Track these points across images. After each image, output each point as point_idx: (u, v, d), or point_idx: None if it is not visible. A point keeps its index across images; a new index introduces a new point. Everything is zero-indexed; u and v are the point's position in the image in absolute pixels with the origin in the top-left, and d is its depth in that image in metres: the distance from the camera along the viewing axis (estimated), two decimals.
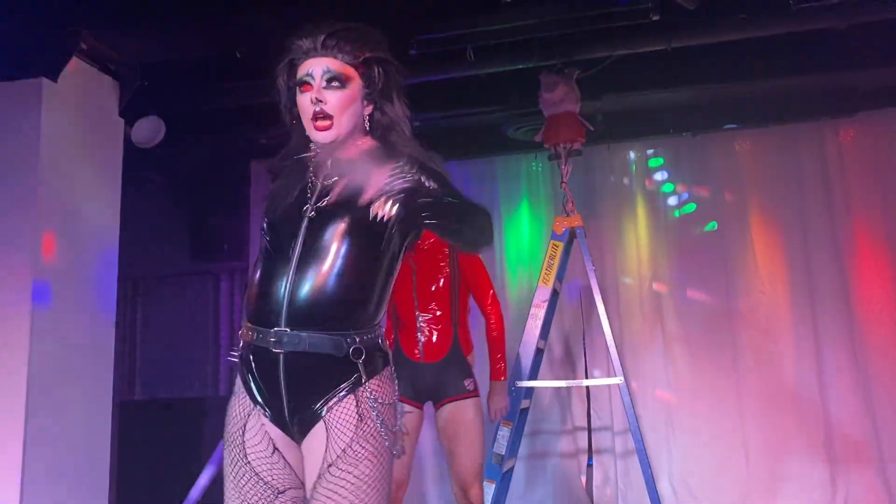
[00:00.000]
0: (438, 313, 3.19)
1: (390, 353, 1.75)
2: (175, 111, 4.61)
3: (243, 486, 1.66)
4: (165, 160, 5.19)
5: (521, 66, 4.39)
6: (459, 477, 3.16)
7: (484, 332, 3.36)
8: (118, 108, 4.37)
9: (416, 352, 3.19)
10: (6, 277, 3.72)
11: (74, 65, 4.01)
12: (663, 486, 4.96)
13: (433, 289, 3.21)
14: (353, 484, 1.55)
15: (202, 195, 5.97)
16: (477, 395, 3.21)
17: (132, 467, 5.13)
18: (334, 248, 1.64)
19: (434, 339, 3.18)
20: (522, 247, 5.63)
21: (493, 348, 3.33)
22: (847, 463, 4.83)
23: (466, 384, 3.19)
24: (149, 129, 4.48)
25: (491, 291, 3.33)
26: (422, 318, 3.19)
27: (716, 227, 5.31)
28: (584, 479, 5.21)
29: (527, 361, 4.33)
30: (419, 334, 3.18)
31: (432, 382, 3.19)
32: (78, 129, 4.07)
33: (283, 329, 1.61)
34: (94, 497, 4.01)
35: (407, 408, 2.85)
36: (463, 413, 3.16)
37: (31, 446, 3.60)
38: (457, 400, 3.17)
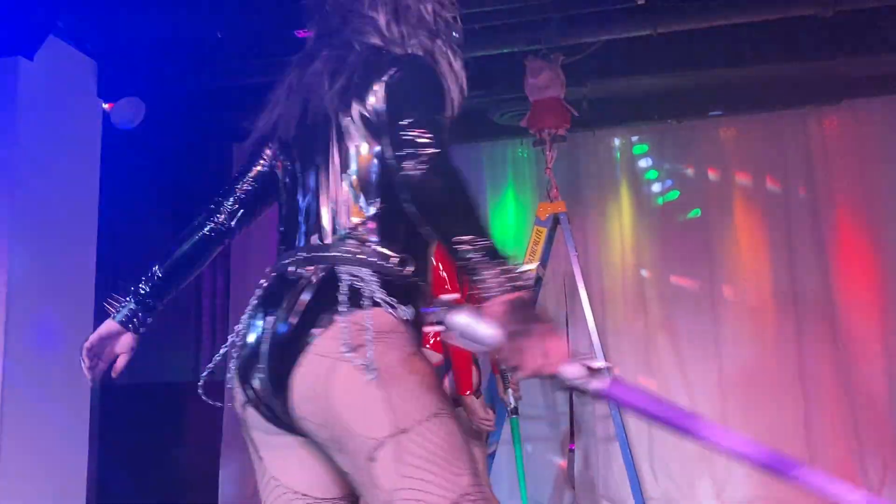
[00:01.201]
0: None
1: None
2: (155, 92, 4.54)
3: None
4: (145, 142, 5.12)
5: (505, 51, 4.36)
6: None
7: None
8: (97, 88, 4.30)
9: None
10: None
11: (52, 44, 3.94)
12: (644, 471, 5.00)
13: None
14: None
15: (183, 177, 5.90)
16: None
17: (112, 450, 5.10)
18: None
19: None
20: (507, 232, 5.62)
21: None
22: (825, 449, 4.89)
23: None
24: (128, 110, 4.42)
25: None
26: None
27: (699, 214, 5.33)
28: (565, 463, 5.24)
29: None
30: None
31: None
32: (55, 108, 4.00)
33: None
34: (73, 480, 3.99)
35: None
36: None
37: (6, 432, 3.57)
38: None
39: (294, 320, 1.30)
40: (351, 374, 1.25)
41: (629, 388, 1.34)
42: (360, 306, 1.30)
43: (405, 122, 1.33)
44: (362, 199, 1.39)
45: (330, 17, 1.53)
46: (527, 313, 1.22)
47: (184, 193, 6.05)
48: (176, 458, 5.35)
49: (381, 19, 1.47)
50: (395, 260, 1.37)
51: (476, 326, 1.23)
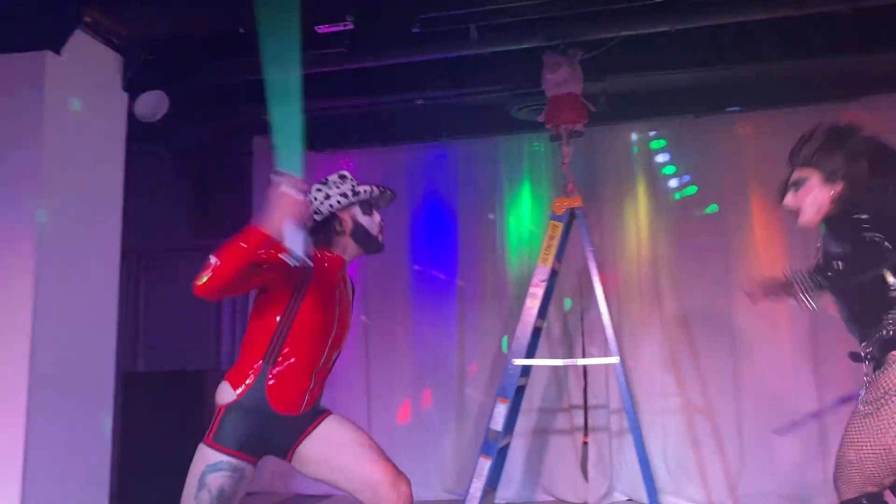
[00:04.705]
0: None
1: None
2: (179, 86, 4.62)
3: None
4: (168, 135, 5.21)
5: (524, 46, 4.39)
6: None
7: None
8: (122, 81, 4.38)
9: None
10: (9, 251, 3.75)
11: (78, 38, 4.02)
12: (657, 465, 5.03)
13: None
14: None
15: (205, 170, 5.99)
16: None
17: (134, 436, 5.21)
18: None
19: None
20: (523, 226, 5.66)
21: None
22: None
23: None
24: (152, 104, 4.49)
25: None
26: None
27: (717, 210, 5.33)
28: (579, 456, 5.28)
29: (524, 340, 4.38)
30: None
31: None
32: (81, 102, 4.08)
33: None
34: (96, 466, 4.08)
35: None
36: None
37: (34, 417, 3.65)
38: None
39: None
40: None
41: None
42: None
43: None
44: None
45: None
46: None
47: (205, 186, 6.15)
48: (196, 445, 5.43)
49: None
50: None
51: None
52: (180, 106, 4.66)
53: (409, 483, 2.48)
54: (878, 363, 2.28)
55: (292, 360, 2.44)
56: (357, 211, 2.60)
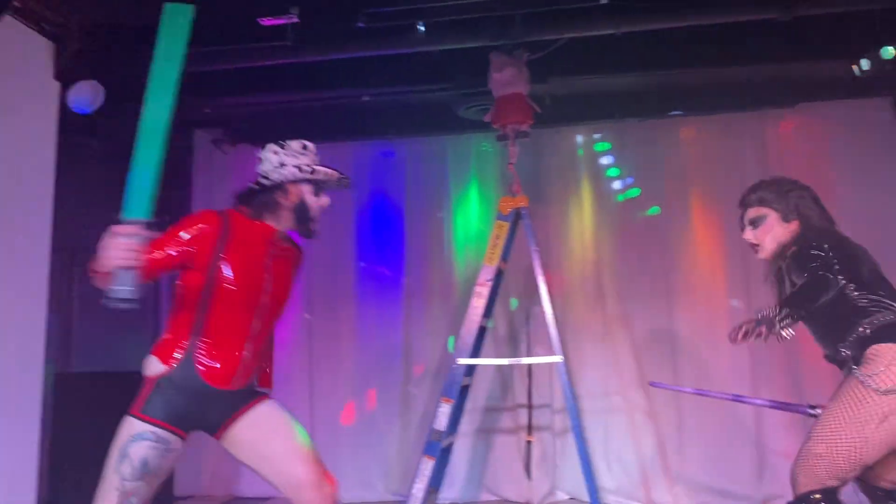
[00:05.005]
0: None
1: None
2: (115, 77, 4.46)
3: None
4: (104, 127, 5.03)
5: (470, 46, 4.38)
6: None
7: None
8: (54, 70, 4.21)
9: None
10: None
11: (7, 23, 3.85)
12: (598, 464, 5.08)
13: None
14: None
15: None
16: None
17: (68, 439, 5.02)
18: None
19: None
20: (470, 226, 5.65)
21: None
22: (775, 443, 5.02)
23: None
24: (86, 94, 4.33)
25: None
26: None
27: (658, 212, 5.41)
28: (523, 455, 5.29)
29: (469, 339, 4.37)
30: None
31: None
32: (10, 90, 3.91)
33: None
34: (22, 470, 3.92)
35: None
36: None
37: None
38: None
39: None
40: None
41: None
42: None
43: None
44: None
45: None
46: None
47: None
48: None
49: None
50: None
51: None
52: (117, 97, 4.51)
53: (335, 484, 2.44)
54: (857, 360, 2.48)
55: (219, 331, 2.37)
56: (307, 189, 2.49)
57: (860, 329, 2.48)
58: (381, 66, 4.73)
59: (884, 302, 2.49)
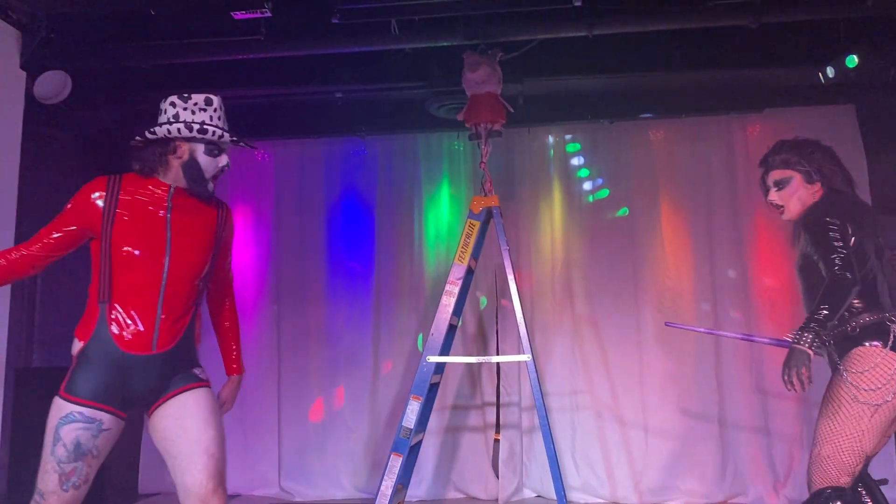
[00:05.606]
0: None
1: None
2: (83, 67, 4.39)
3: None
4: (71, 118, 4.94)
5: (445, 44, 4.38)
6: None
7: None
8: (20, 60, 4.13)
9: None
10: None
11: None
12: (566, 462, 5.13)
13: None
14: None
15: (110, 157, 5.71)
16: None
17: (28, 434, 4.93)
18: None
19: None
20: (441, 224, 5.66)
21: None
22: (737, 442, 5.11)
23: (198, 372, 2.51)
24: (53, 85, 4.25)
25: None
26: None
27: (627, 213, 5.48)
28: (491, 453, 5.32)
29: (439, 337, 4.37)
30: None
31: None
32: None
33: None
34: None
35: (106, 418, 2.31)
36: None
37: None
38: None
39: None
40: None
41: None
42: None
43: None
44: None
45: None
46: None
47: (106, 171, 5.85)
48: None
49: None
50: None
51: None
52: (84, 88, 4.43)
53: (224, 499, 2.37)
54: (841, 355, 2.63)
55: (127, 295, 2.32)
56: (199, 148, 2.38)
57: (848, 328, 2.60)
58: (354, 63, 4.72)
59: (878, 303, 2.60)
